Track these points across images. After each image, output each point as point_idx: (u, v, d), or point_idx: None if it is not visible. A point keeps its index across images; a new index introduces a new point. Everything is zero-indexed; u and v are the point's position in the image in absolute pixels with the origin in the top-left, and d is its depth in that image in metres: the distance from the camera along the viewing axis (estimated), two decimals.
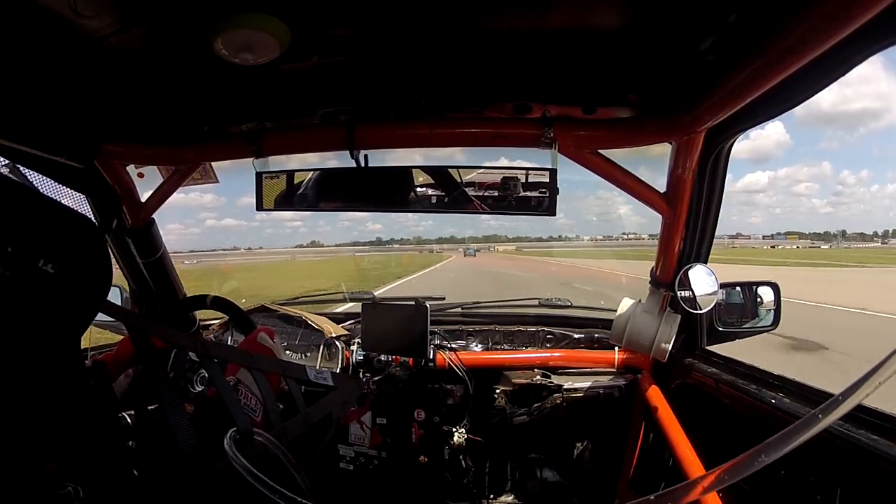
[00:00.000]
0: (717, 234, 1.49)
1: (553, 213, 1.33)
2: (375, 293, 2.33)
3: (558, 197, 1.33)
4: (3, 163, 1.14)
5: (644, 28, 0.93)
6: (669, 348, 1.56)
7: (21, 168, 1.19)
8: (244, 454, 0.74)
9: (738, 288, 1.74)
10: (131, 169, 1.63)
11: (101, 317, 0.96)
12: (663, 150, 1.32)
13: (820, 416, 0.45)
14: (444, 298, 2.33)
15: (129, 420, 1.09)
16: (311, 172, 1.52)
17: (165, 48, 0.99)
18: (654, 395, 1.65)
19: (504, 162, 1.38)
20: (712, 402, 1.44)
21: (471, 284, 17.77)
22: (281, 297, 2.41)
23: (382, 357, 1.96)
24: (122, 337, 1.71)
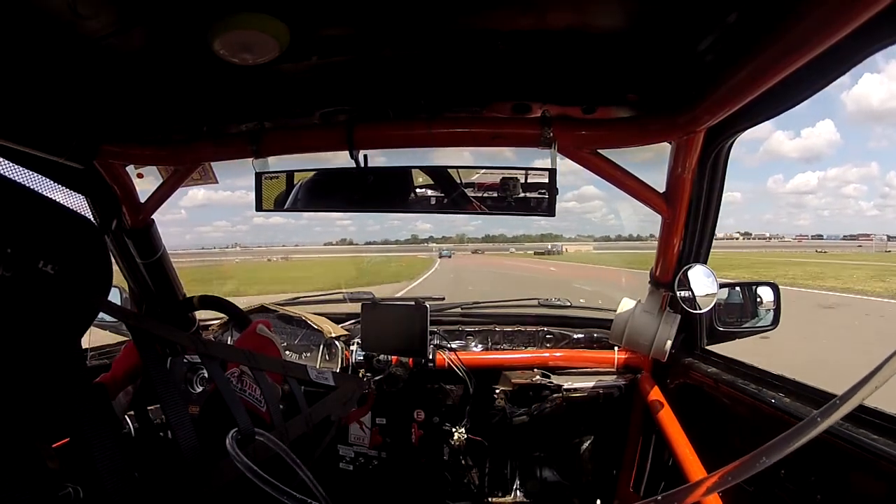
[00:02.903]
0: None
1: (552, 214, 1.33)
2: None
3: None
4: (3, 163, 1.14)
5: (643, 28, 0.93)
6: (669, 348, 1.56)
7: (21, 168, 1.19)
8: (245, 454, 0.74)
9: (737, 288, 1.74)
10: (130, 169, 1.63)
11: (101, 317, 0.96)
12: (663, 151, 1.32)
13: (819, 419, 0.47)
14: (443, 298, 2.33)
15: (129, 421, 1.10)
16: (311, 173, 1.52)
17: (165, 49, 0.99)
18: (654, 394, 1.66)
19: (504, 162, 1.37)
20: (712, 401, 1.44)
21: None
22: None
23: (382, 357, 1.96)
24: (122, 340, 1.72)
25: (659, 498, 0.55)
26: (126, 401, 1.08)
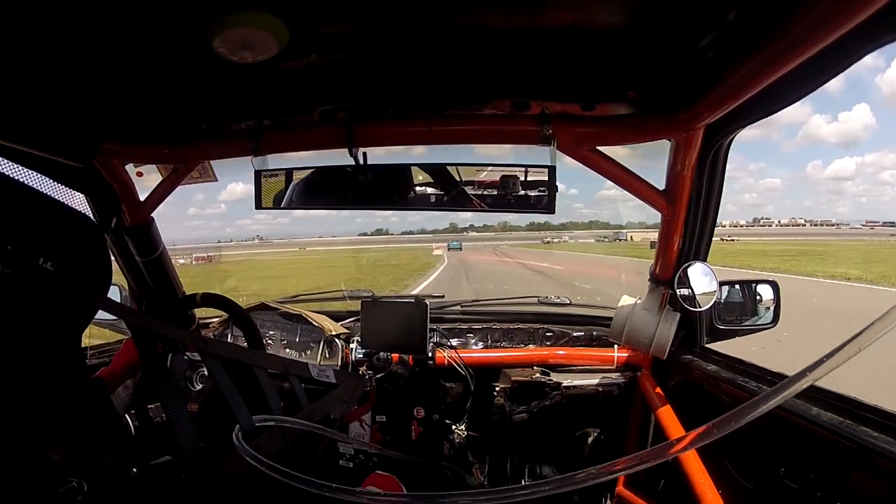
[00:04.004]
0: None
1: (552, 211, 1.33)
2: None
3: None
4: (3, 162, 1.14)
5: (643, 25, 0.93)
6: (668, 346, 1.56)
7: (21, 167, 1.19)
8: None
9: (737, 286, 1.74)
10: (130, 168, 1.64)
11: (100, 315, 0.96)
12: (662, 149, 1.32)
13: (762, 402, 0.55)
14: (443, 296, 2.34)
15: (130, 420, 1.10)
16: (310, 171, 1.52)
17: (164, 47, 0.99)
18: (654, 392, 1.66)
19: (503, 159, 1.37)
20: (712, 399, 1.44)
21: None
22: None
23: (382, 354, 1.96)
24: (122, 338, 1.72)
25: (662, 445, 0.61)
26: (126, 395, 1.08)
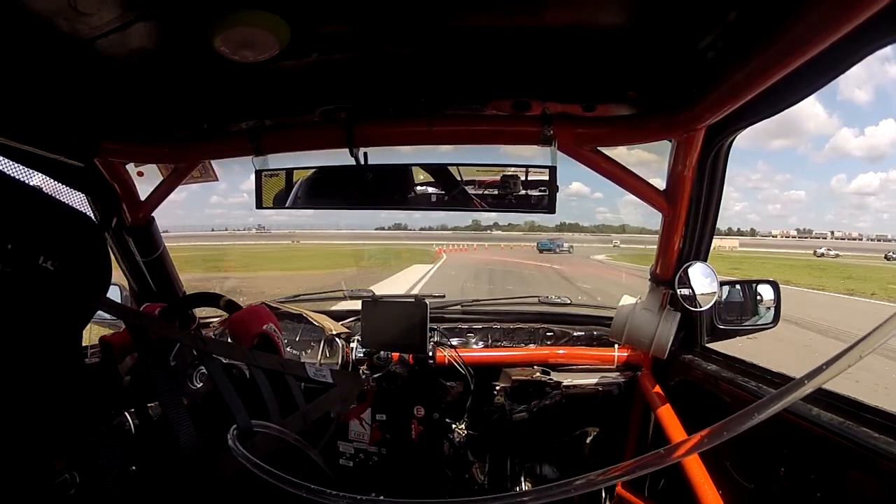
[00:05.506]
0: None
1: (553, 211, 1.33)
2: None
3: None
4: (3, 161, 1.14)
5: (644, 25, 0.93)
6: (669, 346, 1.56)
7: (21, 166, 1.19)
8: (246, 450, 0.74)
9: (738, 286, 1.74)
10: (131, 167, 1.64)
11: (100, 314, 0.96)
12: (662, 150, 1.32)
13: (777, 400, 0.56)
14: (444, 296, 2.34)
15: (129, 419, 1.10)
16: (311, 170, 1.52)
17: (165, 46, 0.99)
18: (654, 392, 1.66)
19: (504, 159, 1.38)
20: (712, 399, 1.44)
21: None
22: None
23: (382, 354, 1.96)
24: None
25: (662, 451, 0.63)
26: (132, 364, 1.08)
